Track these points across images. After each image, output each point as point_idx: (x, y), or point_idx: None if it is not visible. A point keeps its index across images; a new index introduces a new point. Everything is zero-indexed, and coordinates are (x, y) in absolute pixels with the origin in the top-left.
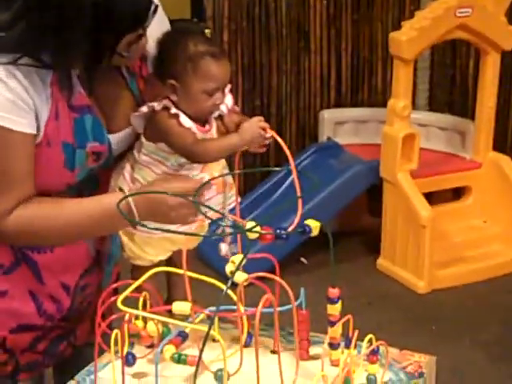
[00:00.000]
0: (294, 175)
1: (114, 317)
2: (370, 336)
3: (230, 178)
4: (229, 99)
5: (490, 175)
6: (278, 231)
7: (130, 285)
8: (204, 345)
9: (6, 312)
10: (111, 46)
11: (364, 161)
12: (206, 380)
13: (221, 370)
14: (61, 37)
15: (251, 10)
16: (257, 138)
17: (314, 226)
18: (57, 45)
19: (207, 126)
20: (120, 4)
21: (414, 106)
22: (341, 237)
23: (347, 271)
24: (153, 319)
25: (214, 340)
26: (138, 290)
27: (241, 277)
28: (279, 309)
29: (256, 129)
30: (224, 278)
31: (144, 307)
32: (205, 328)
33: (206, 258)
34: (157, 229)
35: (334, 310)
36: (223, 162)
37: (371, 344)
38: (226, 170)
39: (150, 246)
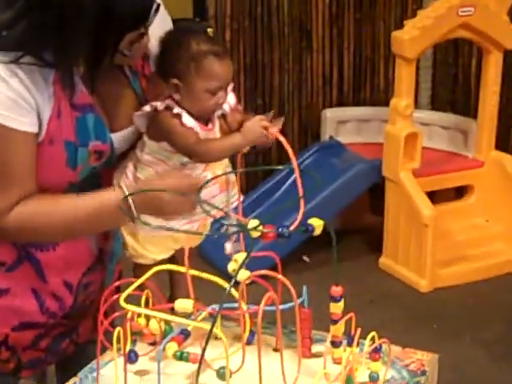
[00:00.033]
0: (297, 174)
1: (116, 314)
2: (372, 334)
3: (232, 177)
4: (231, 98)
5: (493, 174)
6: (281, 230)
7: (133, 283)
8: (207, 343)
9: (8, 309)
10: (113, 44)
11: (366, 160)
12: (209, 378)
13: (223, 367)
14: (62, 35)
15: (253, 8)
16: (259, 137)
17: (317, 224)
18: (58, 43)
19: (210, 125)
20: (121, 3)
21: (417, 104)
22: (343, 235)
23: (349, 269)
24: (155, 317)
25: (216, 338)
26: (141, 287)
27: (243, 275)
28: (281, 307)
29: (258, 128)
30: (226, 276)
31: (146, 305)
32: (207, 326)
33: (208, 256)
34: (160, 227)
35: (337, 308)
36: (226, 160)
37: (373, 342)
38: (229, 169)
39: (152, 245)
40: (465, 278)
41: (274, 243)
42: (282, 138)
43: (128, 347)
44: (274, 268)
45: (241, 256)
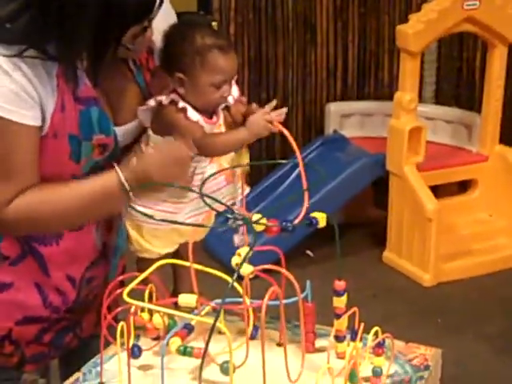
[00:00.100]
0: (301, 168)
1: (119, 309)
2: (375, 329)
3: (237, 169)
4: (235, 90)
5: (497, 168)
6: (284, 223)
7: (136, 277)
8: (210, 337)
9: (11, 304)
10: (116, 38)
11: (370, 154)
12: (212, 372)
13: (227, 362)
14: (64, 29)
15: (258, 2)
16: (264, 130)
17: (320, 216)
18: (61, 37)
19: (214, 118)
20: None
21: (421, 99)
22: (347, 229)
23: (353, 264)
24: (159, 311)
25: (219, 332)
26: (144, 282)
27: (247, 269)
28: (285, 301)
29: (263, 122)
30: (230, 270)
31: (150, 299)
32: (211, 320)
33: (212, 250)
34: (164, 220)
35: (340, 302)
36: (232, 153)
37: (377, 337)
38: (235, 161)
39: (157, 239)
40: (468, 272)
41: (277, 237)
42: (285, 132)
43: (131, 342)
44: (277, 262)
45: (244, 250)
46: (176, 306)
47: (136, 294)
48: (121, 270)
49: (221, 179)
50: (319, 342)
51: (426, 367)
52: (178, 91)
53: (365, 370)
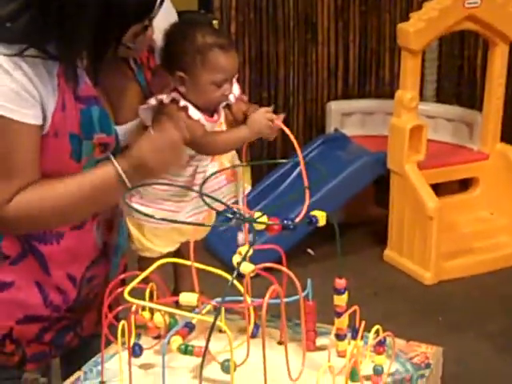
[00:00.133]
0: (302, 166)
1: (120, 308)
2: (376, 327)
3: (238, 168)
4: (236, 88)
5: (498, 166)
6: (285, 222)
7: (137, 276)
8: (210, 335)
9: (12, 303)
10: (116, 37)
11: (371, 152)
12: (213, 371)
13: (227, 360)
14: (64, 29)
15: (258, 1)
16: (265, 129)
17: (320, 215)
18: (61, 36)
19: (215, 116)
20: None
21: (422, 97)
22: (348, 228)
23: (354, 262)
24: (160, 310)
25: (220, 331)
26: (145, 281)
27: (247, 268)
28: (286, 300)
29: (264, 120)
30: (231, 269)
31: (151, 298)
32: (211, 319)
33: (213, 249)
34: (164, 219)
35: (341, 301)
36: (233, 151)
37: (378, 335)
38: (237, 160)
39: (158, 238)
40: (469, 270)
41: (278, 236)
42: (287, 130)
43: (132, 341)
44: (278, 261)
45: (245, 249)
46: (177, 305)
47: (137, 293)
48: (122, 269)
49: (221, 178)
50: (320, 341)
51: (427, 365)
52: (178, 90)
53: (366, 369)
